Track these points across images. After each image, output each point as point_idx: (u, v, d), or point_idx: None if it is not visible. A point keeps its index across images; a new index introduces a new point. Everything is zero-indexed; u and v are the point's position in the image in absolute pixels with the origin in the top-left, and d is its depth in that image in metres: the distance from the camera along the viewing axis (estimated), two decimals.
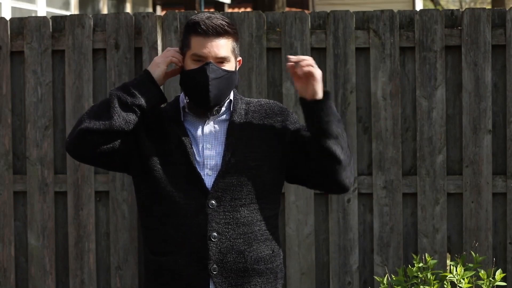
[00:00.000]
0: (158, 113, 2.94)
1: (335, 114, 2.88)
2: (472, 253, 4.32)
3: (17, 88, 4.82)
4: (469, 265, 4.13)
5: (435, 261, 4.15)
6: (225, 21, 2.84)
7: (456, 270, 3.98)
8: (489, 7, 13.86)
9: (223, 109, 2.92)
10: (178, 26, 4.67)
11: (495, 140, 4.58)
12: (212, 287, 2.84)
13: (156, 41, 4.64)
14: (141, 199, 2.93)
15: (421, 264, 4.12)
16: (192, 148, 2.86)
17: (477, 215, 4.55)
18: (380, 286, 4.10)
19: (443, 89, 4.57)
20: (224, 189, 2.84)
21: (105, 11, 13.67)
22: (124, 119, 2.81)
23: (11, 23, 4.80)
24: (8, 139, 4.78)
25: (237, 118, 2.91)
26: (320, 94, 2.85)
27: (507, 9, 4.58)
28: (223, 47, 2.83)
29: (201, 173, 2.86)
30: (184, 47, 2.89)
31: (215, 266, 2.83)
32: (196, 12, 4.76)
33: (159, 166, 2.85)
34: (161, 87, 4.65)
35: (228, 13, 4.74)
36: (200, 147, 2.88)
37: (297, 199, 4.63)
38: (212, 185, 2.84)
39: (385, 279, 4.13)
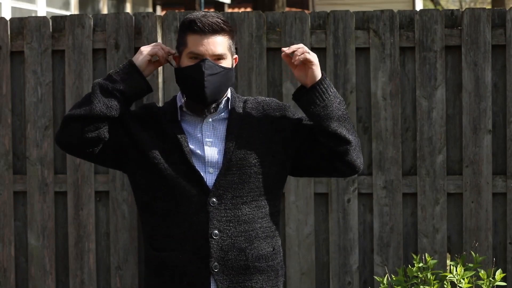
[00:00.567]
0: (156, 113, 2.94)
1: (336, 94, 2.89)
2: (472, 253, 4.32)
3: (17, 88, 4.82)
4: (469, 265, 4.13)
5: (435, 261, 4.15)
6: (221, 19, 2.85)
7: (456, 270, 3.98)
8: (489, 7, 13.86)
9: (221, 107, 2.92)
10: (178, 26, 4.66)
11: (495, 140, 4.58)
12: (213, 284, 2.84)
13: (156, 41, 4.64)
14: (140, 196, 2.93)
15: (421, 264, 4.12)
16: (188, 146, 2.86)
17: (477, 215, 4.55)
18: (380, 286, 4.10)
19: (443, 89, 4.57)
20: (226, 187, 2.84)
21: (105, 11, 13.66)
22: (105, 103, 2.83)
23: (11, 23, 4.80)
24: (8, 139, 4.78)
25: (236, 115, 2.91)
26: (319, 76, 2.88)
27: (507, 9, 4.59)
28: (219, 44, 2.84)
29: (203, 171, 2.86)
30: (180, 46, 2.89)
31: (216, 263, 2.83)
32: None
33: (160, 166, 2.85)
34: (160, 86, 4.66)
35: (228, 13, 4.74)
36: (200, 146, 2.88)
37: (297, 199, 4.63)
38: (214, 183, 2.85)
39: (385, 279, 4.13)
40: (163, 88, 4.67)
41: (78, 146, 2.87)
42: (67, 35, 4.73)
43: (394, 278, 4.17)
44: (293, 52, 2.85)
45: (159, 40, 4.65)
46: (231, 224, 2.84)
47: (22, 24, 4.79)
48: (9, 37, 4.78)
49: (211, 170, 2.86)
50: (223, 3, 18.39)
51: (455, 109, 4.62)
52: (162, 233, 2.88)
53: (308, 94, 2.87)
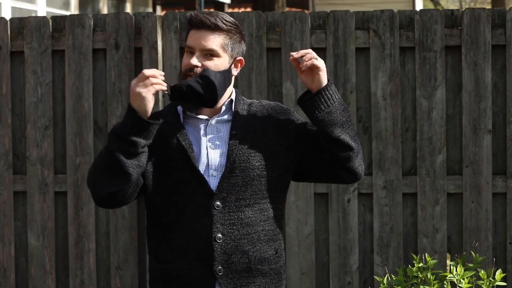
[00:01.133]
0: None
1: (341, 101, 2.90)
2: (472, 253, 4.32)
3: (17, 88, 4.83)
4: (469, 265, 4.13)
5: (435, 261, 4.15)
6: (223, 19, 2.85)
7: (456, 270, 3.98)
8: (489, 7, 13.86)
9: (224, 108, 2.92)
10: (178, 26, 4.67)
11: (495, 140, 4.58)
12: None
13: (156, 41, 4.64)
14: (150, 211, 2.92)
15: (421, 264, 4.12)
16: (193, 152, 2.85)
17: (477, 215, 4.55)
18: (380, 286, 4.10)
19: (443, 89, 4.57)
20: (229, 189, 2.84)
21: (105, 11, 13.66)
22: (137, 165, 2.77)
23: (11, 23, 4.80)
24: (8, 139, 4.78)
25: (240, 118, 2.91)
26: (325, 82, 2.87)
27: (507, 9, 4.59)
28: (210, 40, 2.84)
29: (206, 175, 2.85)
30: (185, 41, 2.93)
31: (220, 267, 2.82)
32: (196, 12, 4.76)
33: (166, 174, 2.85)
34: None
35: (228, 13, 4.74)
36: (204, 148, 2.87)
37: (297, 199, 4.63)
38: (217, 186, 2.83)
39: (385, 279, 4.13)
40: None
41: (130, 201, 2.90)
42: (67, 35, 4.73)
43: (394, 278, 4.17)
44: (301, 56, 2.85)
45: (159, 40, 4.65)
46: (234, 227, 2.84)
47: (22, 24, 4.79)
48: (9, 37, 4.78)
49: (214, 173, 2.85)
50: (223, 3, 18.39)
51: (455, 109, 4.62)
52: (166, 246, 2.87)
53: (313, 99, 2.87)
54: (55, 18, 4.80)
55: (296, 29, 4.61)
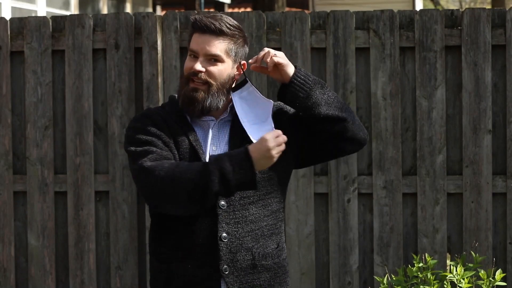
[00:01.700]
0: (161, 120, 2.88)
1: (315, 81, 2.90)
2: (472, 253, 4.32)
3: (17, 88, 4.82)
4: (469, 265, 4.13)
5: (435, 261, 4.15)
6: (227, 23, 2.84)
7: (456, 270, 3.98)
8: (489, 7, 13.86)
9: (228, 109, 2.92)
10: (178, 26, 4.67)
11: (495, 140, 4.58)
12: (224, 287, 2.84)
13: (156, 41, 4.64)
14: (155, 211, 2.91)
15: (421, 264, 4.12)
16: (204, 153, 2.85)
17: (477, 215, 4.55)
18: (380, 286, 4.10)
19: (443, 89, 4.57)
20: None
21: (105, 11, 13.66)
22: (223, 187, 2.76)
23: (11, 23, 4.80)
24: (8, 139, 4.78)
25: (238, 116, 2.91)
26: (293, 71, 2.88)
27: (507, 9, 4.58)
28: (215, 45, 2.83)
29: None
30: (188, 44, 2.91)
31: (226, 266, 2.83)
32: (196, 12, 4.76)
33: None
34: (160, 86, 4.66)
35: (228, 13, 4.74)
36: (208, 149, 2.88)
37: (297, 199, 4.63)
38: None
39: (385, 279, 4.13)
40: (163, 88, 4.67)
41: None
42: (67, 35, 4.73)
43: (394, 278, 4.17)
44: (261, 60, 2.87)
45: (159, 40, 4.65)
46: (239, 226, 2.84)
47: (22, 24, 4.79)
48: (9, 37, 4.78)
49: None
50: (223, 3, 18.39)
51: (455, 109, 4.62)
52: (170, 246, 2.87)
53: (289, 91, 2.88)
54: (55, 18, 4.80)
55: (296, 29, 4.61)
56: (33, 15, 10.11)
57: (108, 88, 4.71)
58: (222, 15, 2.89)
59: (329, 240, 4.64)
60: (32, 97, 4.76)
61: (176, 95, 2.94)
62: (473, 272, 4.02)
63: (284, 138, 2.74)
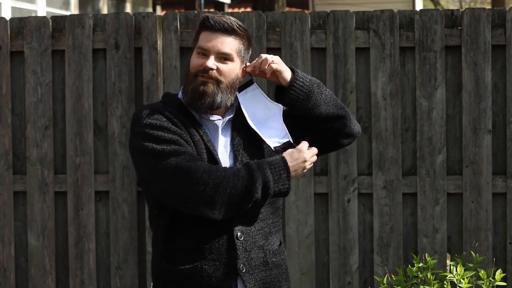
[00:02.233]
0: (174, 117, 2.84)
1: (312, 81, 2.93)
2: (472, 253, 4.32)
3: (17, 88, 4.83)
4: (469, 265, 4.13)
5: (435, 261, 4.15)
6: (237, 23, 2.84)
7: (456, 270, 3.97)
8: (489, 7, 13.86)
9: (234, 108, 2.92)
10: (178, 26, 4.67)
11: (495, 140, 4.58)
12: (241, 285, 2.84)
13: (156, 41, 4.64)
14: (163, 212, 2.86)
15: (421, 264, 4.12)
16: (218, 154, 2.84)
17: (477, 215, 4.55)
18: (380, 286, 4.10)
19: (443, 89, 4.57)
20: None
21: (105, 11, 13.66)
22: (262, 189, 2.78)
23: (11, 23, 4.80)
24: (8, 139, 4.78)
25: (240, 116, 2.91)
26: (290, 76, 2.91)
27: (507, 9, 4.59)
28: (227, 44, 2.82)
29: None
30: (194, 42, 2.90)
31: (242, 265, 2.84)
32: (196, 12, 4.76)
33: None
34: (160, 86, 4.66)
35: (228, 13, 4.74)
36: (219, 150, 2.88)
37: (297, 199, 4.63)
38: None
39: (385, 279, 4.13)
40: (163, 88, 4.67)
41: None
42: (67, 35, 4.73)
43: (394, 278, 4.17)
44: (258, 66, 2.88)
45: (159, 40, 4.65)
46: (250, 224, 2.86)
47: (22, 24, 4.79)
48: (9, 37, 4.78)
49: None
50: (223, 3, 18.38)
51: (455, 109, 4.62)
52: (181, 248, 2.85)
53: (288, 95, 2.91)
54: (55, 18, 4.80)
55: (296, 29, 4.61)
56: (33, 15, 10.11)
57: (108, 88, 4.71)
58: (226, 15, 2.90)
59: (329, 240, 4.65)
60: (32, 97, 4.76)
61: (178, 93, 2.93)
62: (473, 272, 4.02)
63: (315, 150, 2.83)
